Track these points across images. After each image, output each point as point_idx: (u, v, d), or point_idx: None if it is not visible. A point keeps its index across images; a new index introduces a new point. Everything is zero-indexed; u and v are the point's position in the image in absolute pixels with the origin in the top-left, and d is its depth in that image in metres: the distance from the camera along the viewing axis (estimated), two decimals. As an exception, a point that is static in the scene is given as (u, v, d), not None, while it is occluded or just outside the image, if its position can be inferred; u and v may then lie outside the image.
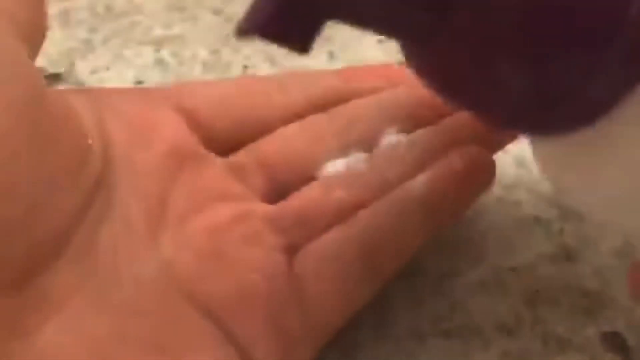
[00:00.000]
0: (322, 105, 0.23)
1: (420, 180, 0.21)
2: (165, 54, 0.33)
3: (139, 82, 0.31)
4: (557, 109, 0.14)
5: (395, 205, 0.21)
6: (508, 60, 0.13)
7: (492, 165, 0.21)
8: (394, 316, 0.21)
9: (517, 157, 0.25)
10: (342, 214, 0.21)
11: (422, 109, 0.23)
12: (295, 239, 0.20)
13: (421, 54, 0.15)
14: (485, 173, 0.21)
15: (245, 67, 0.32)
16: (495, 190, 0.25)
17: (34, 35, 0.18)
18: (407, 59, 0.15)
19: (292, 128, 0.23)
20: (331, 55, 0.33)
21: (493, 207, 0.24)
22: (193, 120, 0.22)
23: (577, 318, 0.21)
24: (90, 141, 0.19)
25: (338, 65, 0.32)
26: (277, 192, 0.22)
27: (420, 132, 0.22)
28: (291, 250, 0.20)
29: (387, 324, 0.21)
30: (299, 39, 0.13)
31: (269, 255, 0.20)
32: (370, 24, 0.14)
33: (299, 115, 0.23)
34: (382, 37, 0.34)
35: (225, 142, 0.22)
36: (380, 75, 0.24)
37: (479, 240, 0.23)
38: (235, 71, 0.32)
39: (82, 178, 0.18)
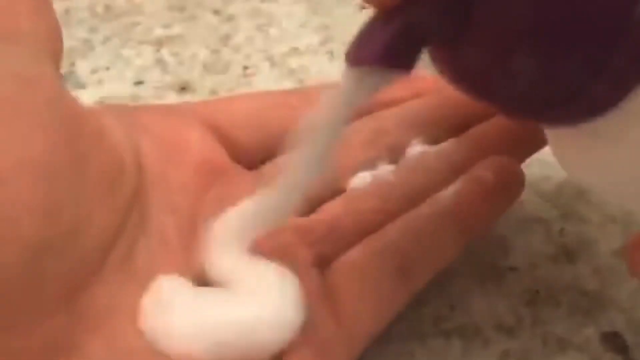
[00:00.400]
0: None
1: (449, 192, 0.21)
2: (165, 54, 0.33)
3: (139, 82, 0.31)
4: (566, 104, 0.14)
5: (425, 218, 0.21)
6: (522, 56, 0.14)
7: (521, 175, 0.21)
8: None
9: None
10: (372, 226, 0.21)
11: (447, 119, 0.23)
12: (326, 251, 0.20)
13: (445, 55, 0.16)
14: (514, 183, 0.21)
15: (245, 67, 0.32)
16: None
17: (57, 52, 0.18)
18: (432, 61, 0.16)
19: None
20: (331, 55, 0.33)
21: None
22: (222, 135, 0.22)
23: (577, 318, 0.21)
24: (124, 158, 0.19)
25: (338, 65, 0.32)
26: (306, 204, 0.21)
27: (447, 143, 0.22)
28: (322, 263, 0.20)
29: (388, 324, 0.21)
30: (410, 64, 0.15)
31: (302, 269, 0.19)
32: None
33: None
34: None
35: (254, 156, 0.22)
36: (404, 85, 0.24)
37: (479, 240, 0.23)
38: (235, 71, 0.32)
39: (118, 195, 0.18)
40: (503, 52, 0.14)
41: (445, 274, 0.23)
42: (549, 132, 0.17)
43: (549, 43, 0.14)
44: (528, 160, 0.23)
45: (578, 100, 0.14)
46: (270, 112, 0.23)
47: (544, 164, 0.25)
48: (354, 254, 0.20)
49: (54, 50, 0.18)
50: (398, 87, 0.24)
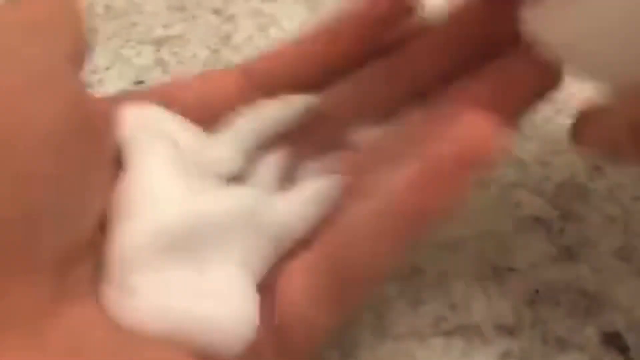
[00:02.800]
0: None
1: (399, 180, 0.17)
2: (165, 54, 0.33)
3: (139, 82, 0.31)
4: None
5: (370, 214, 0.17)
6: None
7: (493, 140, 0.16)
8: (394, 316, 0.21)
9: (517, 157, 0.25)
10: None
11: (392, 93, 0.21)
12: None
13: None
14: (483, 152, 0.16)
15: (245, 67, 0.32)
16: (495, 190, 0.25)
17: (79, 50, 0.19)
18: None
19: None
20: (331, 55, 0.33)
21: (493, 207, 0.24)
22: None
23: (577, 318, 0.21)
24: None
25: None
26: None
27: (402, 122, 0.20)
28: None
29: (387, 324, 0.21)
30: None
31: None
32: None
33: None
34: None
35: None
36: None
37: (479, 240, 0.23)
38: (235, 71, 0.32)
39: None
40: None
41: (445, 274, 0.23)
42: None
43: None
44: (528, 160, 0.23)
45: None
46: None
47: (544, 164, 0.25)
48: (295, 264, 0.18)
49: (77, 50, 0.19)
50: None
